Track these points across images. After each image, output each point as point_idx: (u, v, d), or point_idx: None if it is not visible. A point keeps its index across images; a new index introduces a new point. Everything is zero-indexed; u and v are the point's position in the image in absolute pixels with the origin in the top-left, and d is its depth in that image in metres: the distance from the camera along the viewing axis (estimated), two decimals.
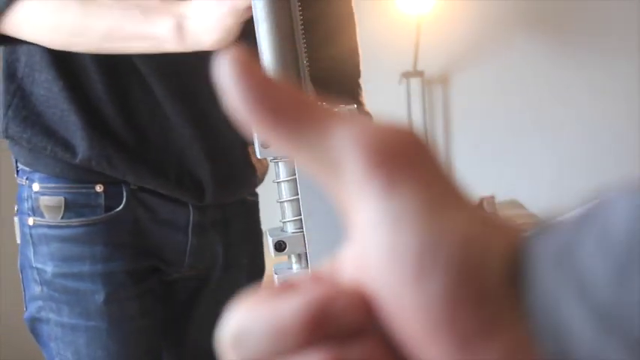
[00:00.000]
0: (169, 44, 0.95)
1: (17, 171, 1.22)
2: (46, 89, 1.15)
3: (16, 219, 1.22)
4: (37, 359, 1.60)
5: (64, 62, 1.15)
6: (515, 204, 2.37)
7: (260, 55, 0.75)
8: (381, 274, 0.26)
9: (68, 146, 1.14)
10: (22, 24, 1.02)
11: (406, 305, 0.26)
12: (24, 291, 1.23)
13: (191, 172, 1.21)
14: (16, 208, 1.22)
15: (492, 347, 0.25)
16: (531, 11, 3.07)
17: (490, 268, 0.26)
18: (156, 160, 1.18)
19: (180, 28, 0.94)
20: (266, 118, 0.27)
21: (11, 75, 1.17)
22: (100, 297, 1.16)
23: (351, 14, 1.27)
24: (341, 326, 0.27)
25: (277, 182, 0.77)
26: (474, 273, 0.25)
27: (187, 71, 1.15)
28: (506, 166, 3.08)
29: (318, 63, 0.96)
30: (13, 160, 1.22)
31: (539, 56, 3.10)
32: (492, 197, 1.78)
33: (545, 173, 2.99)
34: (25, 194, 1.19)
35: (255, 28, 0.75)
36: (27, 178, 1.19)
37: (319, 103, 0.28)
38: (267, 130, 0.27)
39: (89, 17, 0.98)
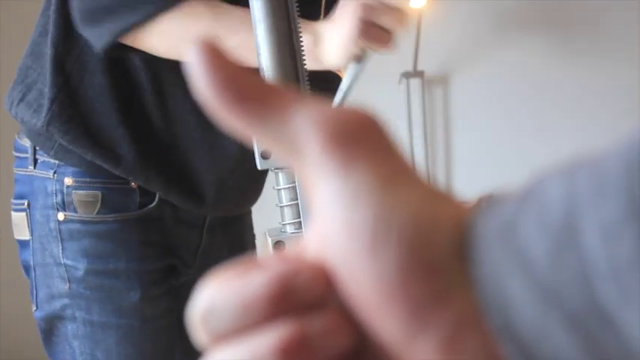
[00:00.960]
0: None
1: (35, 163, 1.17)
2: (98, 93, 1.11)
3: (22, 214, 1.19)
4: (37, 359, 1.59)
5: (120, 75, 1.12)
6: None
7: (258, 54, 0.76)
8: (338, 247, 0.28)
9: (110, 156, 1.12)
10: (152, 35, 0.99)
11: (362, 277, 0.27)
12: (36, 289, 1.19)
13: (224, 200, 1.21)
14: (26, 203, 1.18)
15: (443, 316, 0.26)
16: (532, 11, 3.07)
17: (440, 242, 0.27)
18: (193, 186, 1.18)
19: (315, 47, 0.95)
20: (231, 103, 0.28)
21: (60, 66, 1.12)
22: (135, 295, 1.15)
23: None
24: (303, 299, 0.28)
25: (277, 189, 0.78)
26: (425, 246, 0.27)
27: None
28: (507, 167, 3.08)
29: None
30: (30, 152, 1.17)
31: (540, 56, 3.09)
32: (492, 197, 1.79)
33: None
34: (53, 188, 1.15)
35: (254, 28, 0.76)
36: (55, 172, 1.15)
37: (281, 88, 0.29)
38: (232, 114, 0.29)
39: (221, 28, 0.97)
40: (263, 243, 1.39)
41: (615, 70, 3.05)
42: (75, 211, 1.13)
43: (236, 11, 0.97)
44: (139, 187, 1.15)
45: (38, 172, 1.16)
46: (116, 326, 1.15)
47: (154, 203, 1.16)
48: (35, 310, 1.20)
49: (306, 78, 0.77)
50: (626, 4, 2.99)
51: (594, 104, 3.11)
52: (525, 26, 3.07)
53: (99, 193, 1.13)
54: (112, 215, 1.14)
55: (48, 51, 1.13)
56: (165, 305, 1.19)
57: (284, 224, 0.79)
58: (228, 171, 1.18)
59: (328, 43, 0.93)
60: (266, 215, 1.32)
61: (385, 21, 0.92)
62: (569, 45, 3.08)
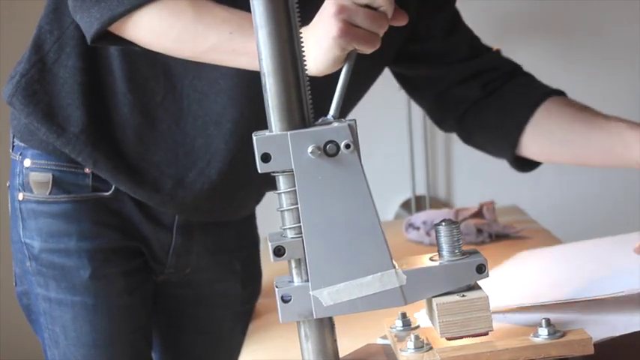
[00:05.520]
0: None
1: (12, 147, 1.23)
2: (69, 74, 1.15)
3: (9, 197, 1.24)
4: (37, 359, 1.59)
5: (94, 60, 1.15)
6: (515, 209, 2.37)
7: (259, 59, 0.76)
8: None
9: (61, 133, 1.15)
10: (136, 27, 1.00)
11: None
12: (14, 265, 1.25)
13: (185, 199, 1.19)
14: (7, 185, 1.24)
15: None
16: (532, 13, 3.07)
17: None
18: (148, 178, 1.18)
19: None
20: None
21: (39, 45, 1.16)
22: (85, 273, 1.17)
23: None
24: None
25: (278, 193, 0.78)
26: None
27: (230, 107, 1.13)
28: (507, 172, 3.07)
29: None
30: (10, 136, 1.24)
31: (540, 58, 3.09)
32: (493, 203, 1.77)
33: (546, 179, 2.98)
34: (17, 169, 1.21)
35: (255, 33, 0.76)
36: (20, 154, 1.21)
37: None
38: None
39: (202, 26, 0.97)
40: (264, 247, 1.39)
41: (616, 73, 3.05)
42: (31, 191, 1.19)
43: (219, 10, 0.97)
44: (93, 172, 1.17)
45: (13, 155, 1.23)
46: (71, 303, 1.18)
47: (109, 192, 1.18)
48: (15, 286, 1.25)
49: (307, 84, 0.77)
50: (628, 4, 2.98)
51: (596, 107, 3.11)
52: (526, 29, 3.07)
53: (50, 175, 1.18)
54: (64, 196, 1.18)
55: (35, 29, 1.17)
56: (123, 285, 1.21)
57: (284, 229, 0.79)
58: (190, 168, 1.17)
59: (308, 49, 0.85)
60: (270, 220, 1.31)
61: (364, 22, 0.86)
62: (570, 47, 3.08)
